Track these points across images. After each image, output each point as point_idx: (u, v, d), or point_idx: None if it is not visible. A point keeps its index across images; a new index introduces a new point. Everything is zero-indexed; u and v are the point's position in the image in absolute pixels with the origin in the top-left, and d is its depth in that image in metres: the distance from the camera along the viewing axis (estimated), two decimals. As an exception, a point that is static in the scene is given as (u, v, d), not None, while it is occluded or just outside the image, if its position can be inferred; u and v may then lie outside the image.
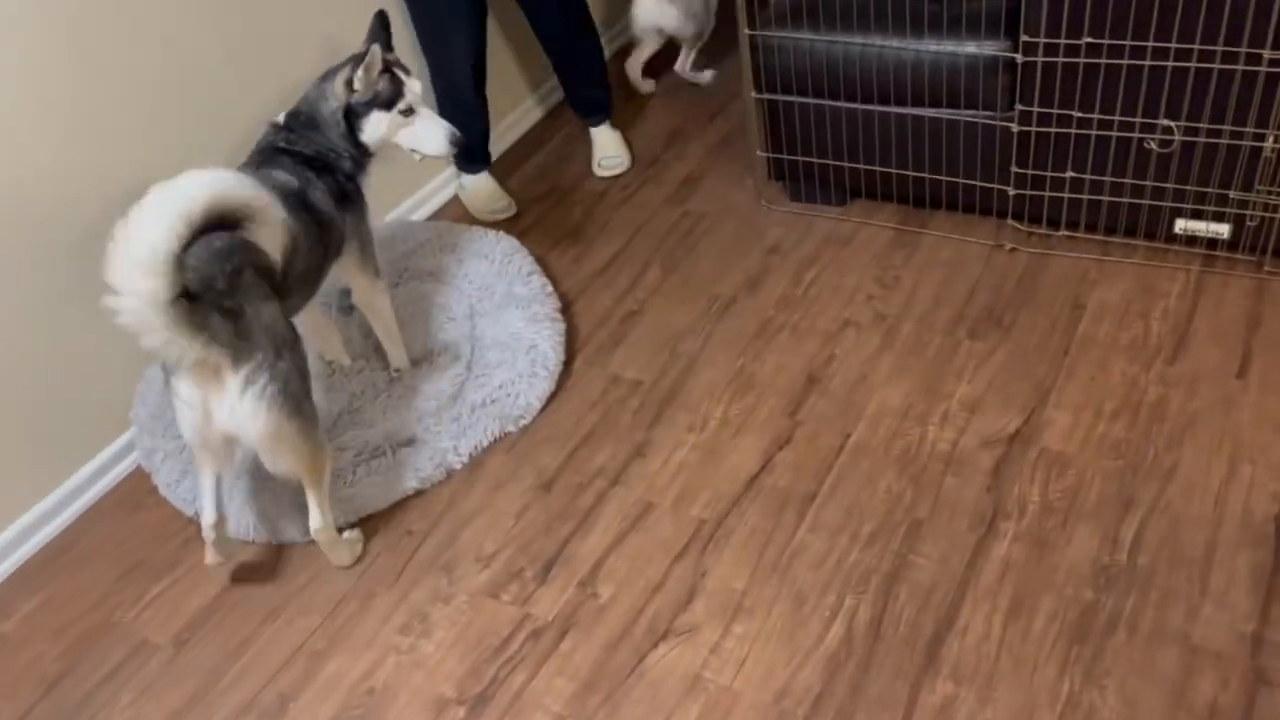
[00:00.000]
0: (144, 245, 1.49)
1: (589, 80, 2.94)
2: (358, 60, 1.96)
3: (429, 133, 2.04)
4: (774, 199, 2.72)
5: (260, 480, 2.00)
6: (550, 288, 2.47)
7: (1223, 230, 2.17)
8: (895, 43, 2.27)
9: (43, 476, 2.13)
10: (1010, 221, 2.44)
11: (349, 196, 2.02)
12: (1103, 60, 2.05)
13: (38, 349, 2.05)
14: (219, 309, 1.63)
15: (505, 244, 2.59)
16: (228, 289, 1.66)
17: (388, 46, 2.02)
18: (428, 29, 2.61)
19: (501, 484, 2.08)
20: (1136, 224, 2.27)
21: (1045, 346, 2.14)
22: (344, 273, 2.10)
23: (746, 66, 2.50)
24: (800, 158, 2.56)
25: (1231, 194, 2.11)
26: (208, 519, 1.88)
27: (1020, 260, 2.37)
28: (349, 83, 1.97)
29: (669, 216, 2.75)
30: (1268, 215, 2.11)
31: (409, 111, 2.01)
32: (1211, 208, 2.15)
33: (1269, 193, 2.07)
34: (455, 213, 2.91)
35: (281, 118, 2.02)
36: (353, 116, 1.98)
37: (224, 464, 1.83)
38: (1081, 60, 2.07)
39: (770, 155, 2.61)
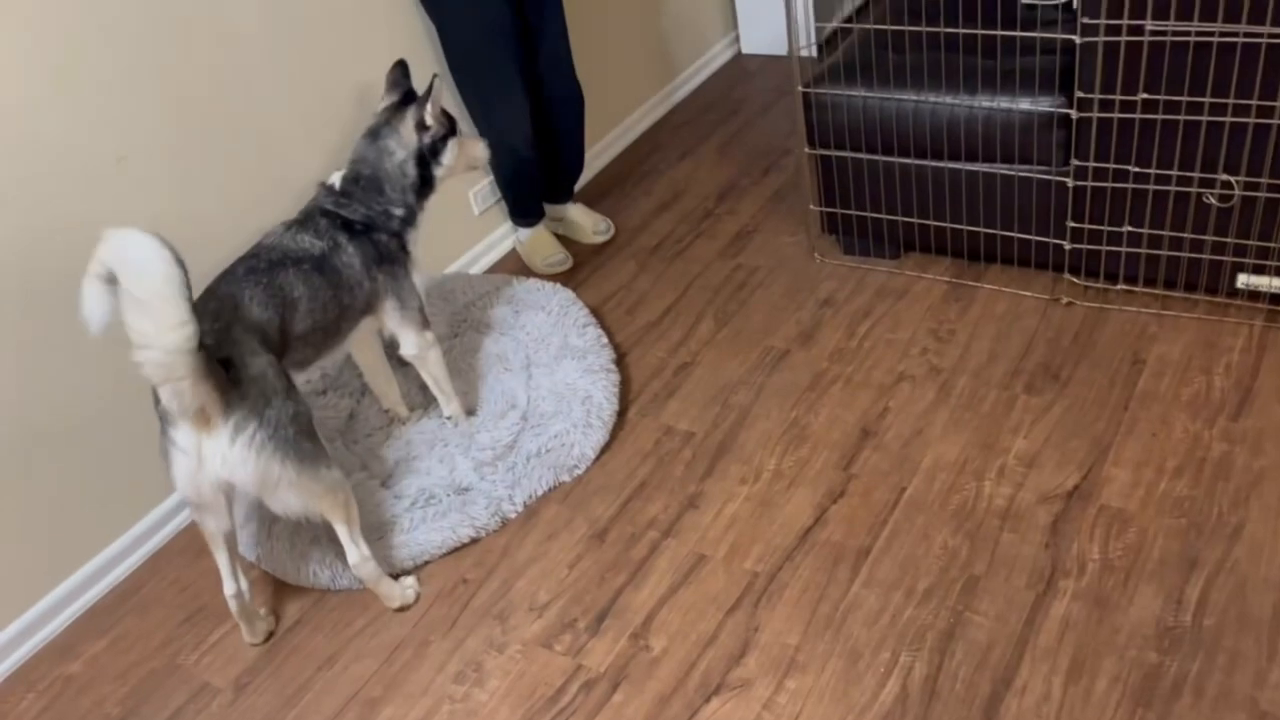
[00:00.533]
0: (172, 295, 1.50)
1: (578, 161, 2.98)
2: (408, 104, 2.06)
3: (476, 146, 2.22)
4: (827, 252, 2.73)
5: (320, 526, 2.04)
6: (605, 339, 2.50)
7: None
8: (949, 99, 2.29)
9: (112, 522, 2.19)
10: (1066, 275, 2.42)
11: (388, 256, 2.06)
12: (1159, 116, 2.05)
13: (110, 398, 2.12)
14: (213, 360, 1.69)
15: (561, 296, 2.63)
16: (217, 344, 1.73)
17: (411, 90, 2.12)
18: (484, 99, 2.65)
19: (555, 533, 2.10)
20: (1197, 279, 2.25)
21: (1104, 401, 2.12)
22: (386, 328, 2.13)
23: (800, 122, 2.54)
24: (854, 212, 2.58)
25: None
26: (227, 589, 1.92)
27: (1077, 314, 2.35)
28: (420, 123, 2.05)
29: (722, 269, 2.78)
30: None
31: (459, 135, 2.16)
32: (1274, 263, 2.12)
33: None
34: (513, 266, 2.97)
35: (336, 181, 2.06)
36: (427, 155, 2.08)
37: (223, 519, 1.86)
38: (1137, 116, 2.07)
39: (824, 209, 2.64)
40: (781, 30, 3.76)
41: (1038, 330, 2.34)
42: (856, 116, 2.43)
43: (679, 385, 2.41)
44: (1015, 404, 2.16)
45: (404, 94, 2.10)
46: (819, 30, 3.47)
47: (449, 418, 2.30)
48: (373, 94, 2.54)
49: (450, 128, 2.12)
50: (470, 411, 2.33)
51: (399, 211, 2.07)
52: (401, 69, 2.13)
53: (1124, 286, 2.36)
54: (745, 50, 3.93)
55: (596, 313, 2.65)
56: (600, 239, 2.99)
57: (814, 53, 3.70)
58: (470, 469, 2.18)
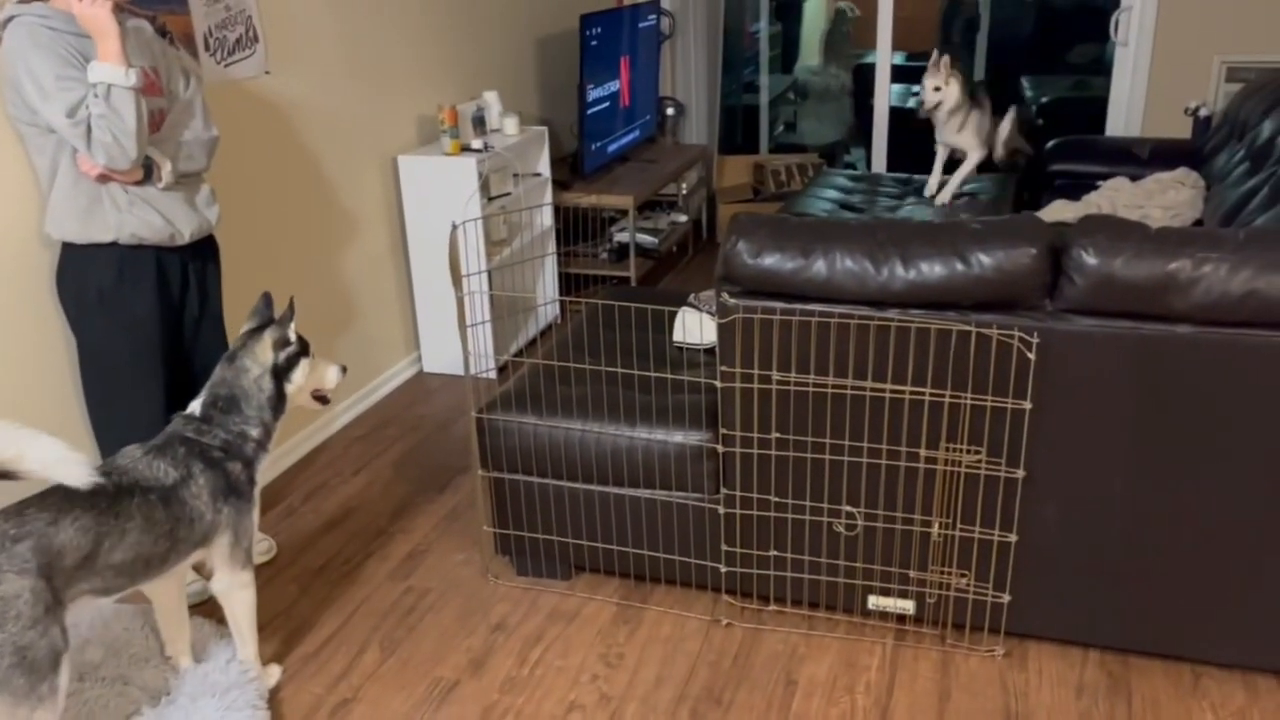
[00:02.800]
0: None
1: None
2: (266, 327, 2.17)
3: (328, 369, 2.34)
4: (501, 573, 2.71)
5: None
6: (254, 672, 2.27)
7: (908, 606, 2.37)
8: (611, 430, 2.45)
9: None
10: (725, 597, 2.55)
11: (237, 489, 2.11)
12: (790, 453, 2.29)
13: None
14: None
15: (204, 626, 2.38)
16: None
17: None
18: (115, 416, 2.43)
19: None
20: (836, 599, 2.44)
21: (763, 725, 2.18)
22: (210, 560, 2.13)
23: (474, 444, 2.59)
24: (526, 533, 2.61)
25: (911, 573, 2.33)
26: None
27: (736, 635, 2.45)
28: (281, 341, 2.18)
29: (391, 593, 2.66)
30: (943, 593, 2.34)
31: (312, 356, 2.28)
32: (896, 586, 2.36)
33: (942, 572, 2.31)
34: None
35: (195, 408, 2.13)
36: (280, 373, 2.18)
37: None
38: (773, 453, 2.30)
39: (497, 530, 2.64)
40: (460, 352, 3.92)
41: (701, 652, 2.40)
42: (528, 442, 2.51)
43: (336, 726, 2.21)
44: (682, 731, 2.17)
45: (263, 321, 2.21)
46: (496, 357, 3.66)
47: (241, 662, 2.24)
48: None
49: (304, 348, 2.24)
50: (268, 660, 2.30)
51: (255, 432, 2.15)
52: (265, 300, 2.25)
53: (775, 607, 2.51)
54: (427, 369, 4.04)
55: (248, 644, 2.42)
56: (259, 560, 2.79)
57: (494, 375, 3.88)
58: None
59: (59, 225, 2.29)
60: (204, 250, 2.52)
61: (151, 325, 2.39)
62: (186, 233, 2.39)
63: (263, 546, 2.81)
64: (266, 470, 3.16)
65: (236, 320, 2.84)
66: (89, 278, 2.33)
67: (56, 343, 2.47)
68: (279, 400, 2.20)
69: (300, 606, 2.61)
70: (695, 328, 2.78)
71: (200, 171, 2.45)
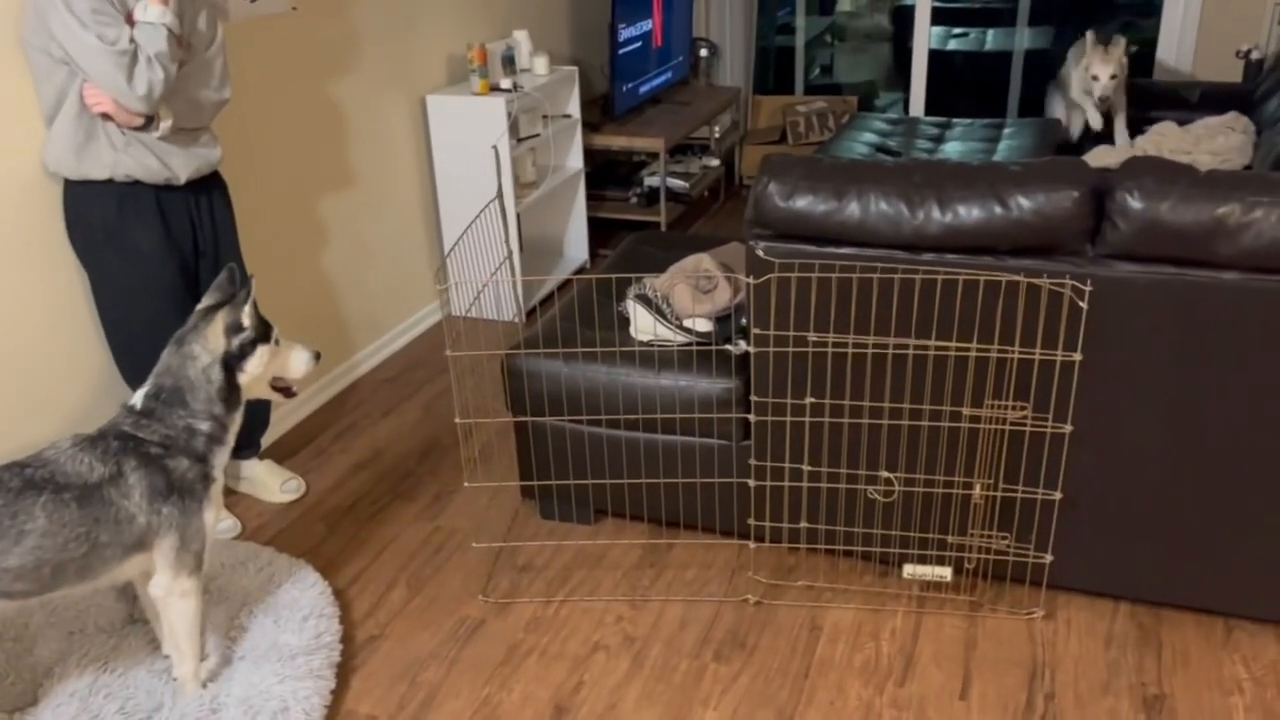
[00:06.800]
0: None
1: (262, 418, 2.80)
2: (221, 309, 1.92)
3: (296, 356, 2.08)
4: (526, 516, 2.72)
5: None
6: (332, 635, 2.23)
7: (945, 573, 2.30)
8: (637, 375, 2.42)
9: None
10: (751, 545, 2.53)
11: (184, 487, 1.89)
12: (826, 418, 2.24)
13: None
14: None
15: (271, 561, 2.41)
16: None
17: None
18: (140, 358, 2.32)
19: None
20: (868, 557, 2.41)
21: (786, 669, 2.17)
22: (150, 564, 1.92)
23: (503, 388, 2.57)
24: (553, 481, 2.60)
25: (950, 539, 2.29)
26: None
27: (760, 583, 2.44)
28: (234, 326, 1.93)
29: (419, 533, 2.68)
30: (982, 556, 2.30)
31: (278, 341, 2.04)
32: (934, 552, 2.31)
33: (983, 536, 2.27)
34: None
35: (137, 400, 1.92)
36: (232, 362, 1.94)
37: None
38: (807, 419, 2.26)
39: (522, 476, 2.64)
40: (488, 297, 3.90)
41: (725, 597, 2.40)
42: (554, 385, 2.50)
43: (364, 662, 2.23)
44: (705, 673, 2.17)
45: (222, 298, 1.97)
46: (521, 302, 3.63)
47: (175, 679, 2.05)
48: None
49: (264, 334, 1.99)
50: (206, 680, 2.08)
51: (204, 426, 1.92)
52: (229, 274, 2.01)
53: (804, 551, 2.49)
54: (455, 313, 4.03)
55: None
56: (288, 498, 2.81)
57: (523, 319, 3.86)
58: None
59: (56, 159, 2.27)
60: (207, 186, 2.48)
61: (158, 259, 2.39)
62: (183, 175, 2.37)
63: (292, 485, 2.83)
64: (294, 409, 3.18)
65: (257, 260, 2.84)
66: (93, 213, 2.33)
67: (72, 278, 2.47)
68: (230, 392, 1.94)
69: (328, 545, 2.63)
70: (649, 328, 2.51)
71: (200, 128, 2.41)
